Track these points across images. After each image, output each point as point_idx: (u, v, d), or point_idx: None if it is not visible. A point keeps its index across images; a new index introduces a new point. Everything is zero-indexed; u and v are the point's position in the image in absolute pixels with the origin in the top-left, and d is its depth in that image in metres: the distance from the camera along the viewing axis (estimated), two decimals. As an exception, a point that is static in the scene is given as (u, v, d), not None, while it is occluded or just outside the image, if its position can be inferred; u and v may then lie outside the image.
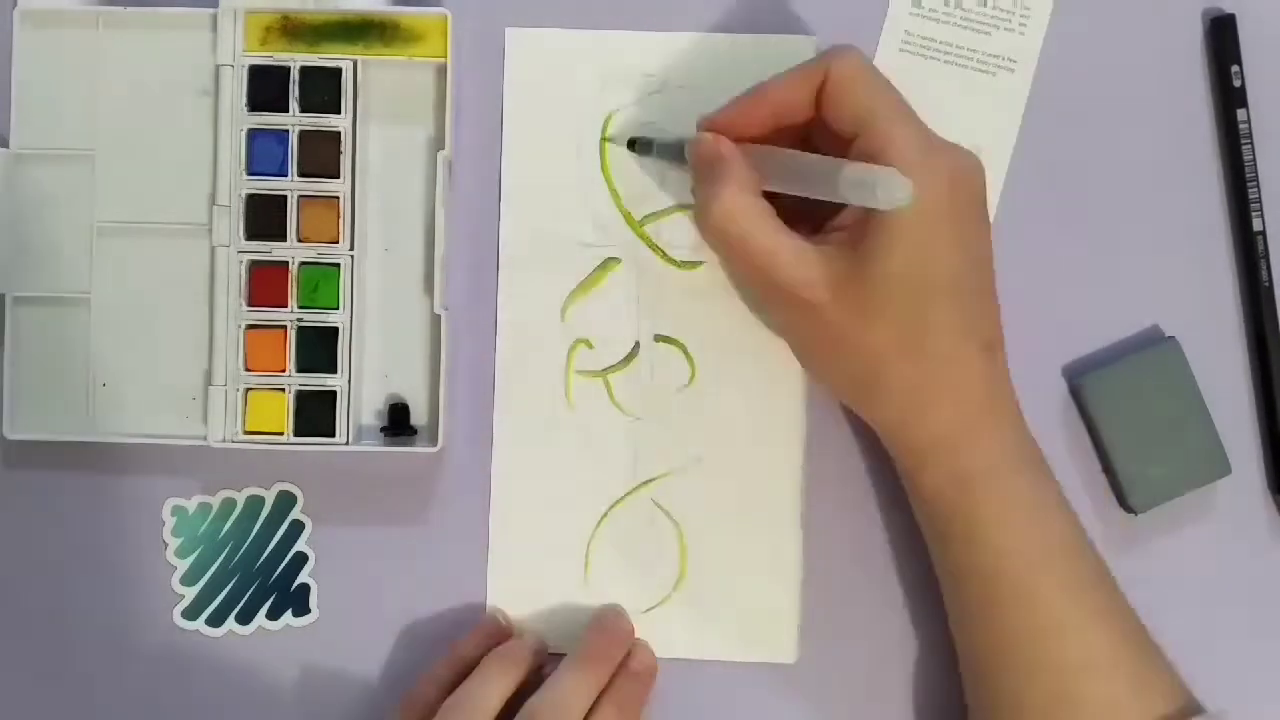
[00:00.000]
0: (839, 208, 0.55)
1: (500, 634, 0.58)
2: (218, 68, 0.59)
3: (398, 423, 0.59)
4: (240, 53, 0.58)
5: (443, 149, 0.59)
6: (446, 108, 0.59)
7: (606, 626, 0.58)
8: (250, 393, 0.58)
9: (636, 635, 0.59)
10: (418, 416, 0.60)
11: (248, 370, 0.58)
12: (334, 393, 0.59)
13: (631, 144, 0.59)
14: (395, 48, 0.59)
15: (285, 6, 0.58)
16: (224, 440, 0.58)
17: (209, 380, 0.59)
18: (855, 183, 0.48)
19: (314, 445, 0.58)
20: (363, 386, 0.60)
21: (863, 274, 0.51)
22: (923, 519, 0.55)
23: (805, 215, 0.55)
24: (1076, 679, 0.52)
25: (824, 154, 0.52)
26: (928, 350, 0.52)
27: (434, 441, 0.58)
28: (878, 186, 0.48)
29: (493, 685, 0.55)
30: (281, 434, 0.58)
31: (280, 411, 0.58)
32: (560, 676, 0.55)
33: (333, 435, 0.58)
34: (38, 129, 0.60)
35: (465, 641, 0.58)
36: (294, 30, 0.58)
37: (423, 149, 0.60)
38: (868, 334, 0.52)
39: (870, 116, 0.52)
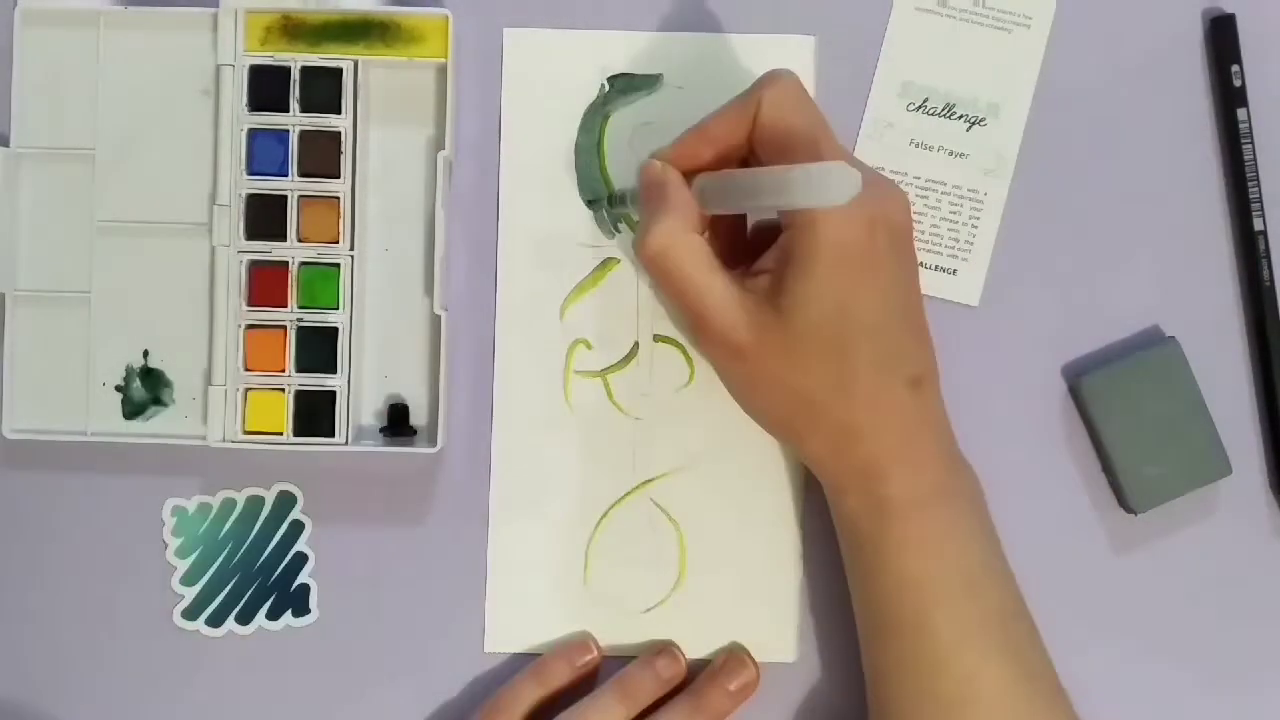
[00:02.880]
0: (767, 247, 0.55)
1: (589, 659, 0.58)
2: (218, 67, 0.59)
3: (397, 423, 0.59)
4: (241, 52, 0.58)
5: (443, 149, 0.59)
6: (447, 108, 0.59)
7: (727, 682, 0.58)
8: (250, 393, 0.58)
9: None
10: (417, 416, 0.60)
11: (247, 370, 0.58)
12: (333, 393, 0.59)
13: (610, 198, 0.59)
14: (396, 48, 0.59)
15: (286, 6, 0.58)
16: (223, 440, 0.58)
17: (208, 380, 0.59)
18: (805, 181, 0.48)
19: (313, 445, 0.58)
20: (362, 387, 0.60)
21: (785, 320, 0.52)
22: (841, 542, 0.56)
23: (739, 258, 0.56)
24: (959, 714, 0.52)
25: None
26: (852, 390, 0.52)
27: (433, 442, 0.58)
28: (829, 178, 0.48)
29: (609, 714, 0.56)
30: (281, 434, 0.58)
31: (280, 411, 0.58)
32: (668, 716, 0.57)
33: (332, 435, 0.58)
34: (38, 128, 0.60)
35: (553, 661, 0.58)
36: (294, 30, 0.58)
37: (423, 149, 0.60)
38: (793, 377, 0.53)
39: (794, 141, 0.52)
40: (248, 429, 0.58)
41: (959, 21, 0.60)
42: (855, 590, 0.55)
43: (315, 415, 0.58)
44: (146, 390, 0.59)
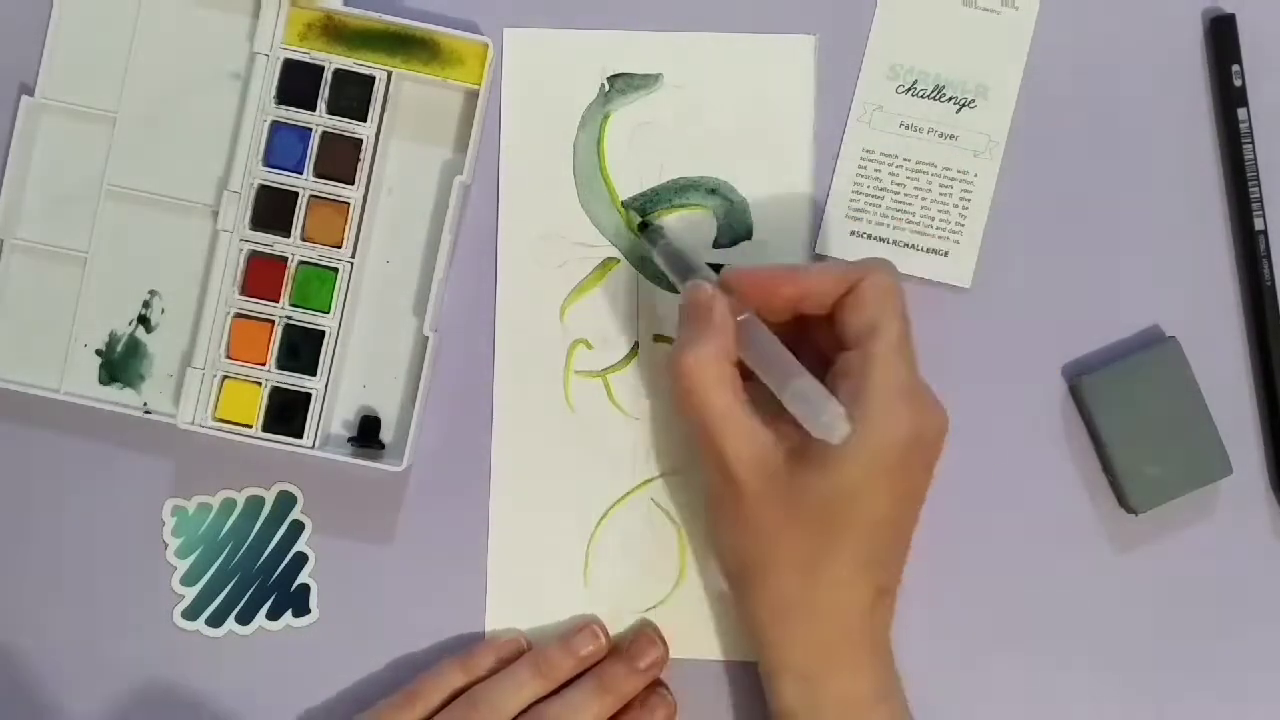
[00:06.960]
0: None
1: (517, 655, 0.58)
2: (253, 55, 0.58)
3: (366, 435, 0.59)
4: (278, 44, 0.58)
5: (460, 174, 0.58)
6: (472, 134, 0.58)
7: (635, 661, 0.58)
8: (226, 380, 0.58)
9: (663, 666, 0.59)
10: (389, 433, 0.60)
11: (229, 358, 0.58)
12: (309, 395, 0.58)
13: (643, 226, 0.59)
14: (432, 67, 0.58)
15: (330, 6, 0.58)
16: (193, 423, 0.58)
17: (188, 361, 0.59)
18: (801, 398, 0.50)
19: (280, 444, 0.58)
20: (338, 394, 0.59)
21: (797, 477, 0.52)
22: None
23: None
24: None
25: (813, 349, 0.54)
26: (823, 571, 0.52)
27: (400, 460, 0.58)
28: (821, 414, 0.49)
29: (525, 689, 0.56)
30: (250, 426, 0.58)
31: (253, 404, 0.58)
32: (575, 692, 0.57)
33: (300, 437, 0.58)
34: (65, 83, 0.59)
35: (480, 653, 0.58)
36: (335, 31, 0.58)
37: (440, 171, 0.60)
38: (775, 532, 0.52)
39: (874, 335, 0.52)
40: (218, 416, 0.58)
41: (946, 5, 0.60)
42: None
43: (287, 414, 0.58)
44: (126, 359, 0.59)
